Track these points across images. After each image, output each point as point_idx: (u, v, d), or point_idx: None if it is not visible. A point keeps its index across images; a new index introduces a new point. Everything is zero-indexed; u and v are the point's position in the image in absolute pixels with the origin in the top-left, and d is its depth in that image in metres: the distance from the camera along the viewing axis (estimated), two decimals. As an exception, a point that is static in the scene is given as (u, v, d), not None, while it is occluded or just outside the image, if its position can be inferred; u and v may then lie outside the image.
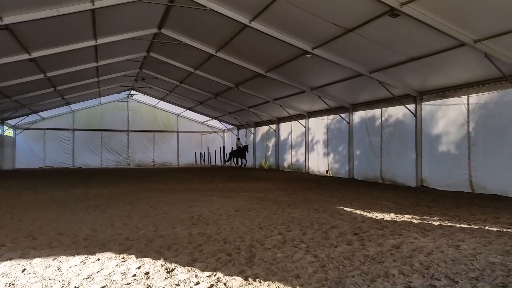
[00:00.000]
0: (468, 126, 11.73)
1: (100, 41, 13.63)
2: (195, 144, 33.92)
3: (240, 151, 28.40)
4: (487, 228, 6.59)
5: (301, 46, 12.32)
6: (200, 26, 13.25)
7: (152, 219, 7.41)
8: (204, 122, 33.62)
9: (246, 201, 9.98)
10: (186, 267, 4.41)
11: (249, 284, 3.90)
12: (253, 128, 29.01)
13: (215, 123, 33.34)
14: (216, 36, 13.72)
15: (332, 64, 13.10)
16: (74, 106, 28.47)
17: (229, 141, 33.97)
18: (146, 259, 4.73)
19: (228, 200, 10.20)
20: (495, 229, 6.46)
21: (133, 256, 4.88)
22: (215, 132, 34.72)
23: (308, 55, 12.83)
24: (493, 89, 11.01)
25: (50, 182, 15.94)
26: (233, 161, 30.17)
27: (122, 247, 5.33)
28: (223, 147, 34.31)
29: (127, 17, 12.77)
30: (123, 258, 4.82)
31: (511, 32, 8.49)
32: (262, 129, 27.87)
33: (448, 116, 12.54)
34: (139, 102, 31.45)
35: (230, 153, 30.47)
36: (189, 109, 30.05)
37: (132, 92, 29.30)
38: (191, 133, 33.70)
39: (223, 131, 34.81)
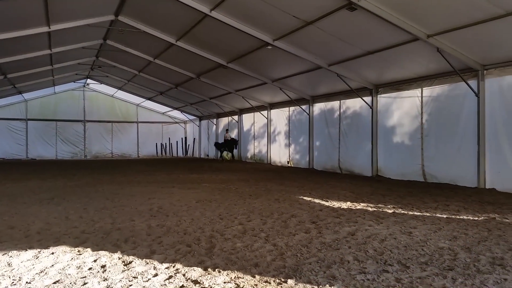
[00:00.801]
0: (422, 118, 12.26)
1: (54, 27, 12.99)
2: (156, 135, 33.24)
3: (227, 144, 24.95)
4: (437, 215, 6.95)
5: (262, 38, 12.34)
6: (159, 14, 12.93)
7: (109, 212, 7.24)
8: (165, 112, 32.98)
9: (207, 192, 9.96)
10: (144, 259, 4.37)
11: (208, 274, 3.92)
12: (215, 119, 28.85)
13: (176, 113, 32.82)
14: (176, 24, 13.45)
15: (292, 56, 13.22)
16: (27, 95, 27.05)
17: (191, 132, 33.63)
18: (102, 252, 4.64)
19: (189, 191, 10.13)
20: (445, 216, 6.83)
21: (89, 249, 4.77)
22: (176, 123, 34.20)
23: (269, 47, 12.87)
24: (444, 83, 11.55)
25: (2, 174, 15.15)
26: (218, 154, 25.67)
27: (78, 241, 5.19)
28: (185, 138, 33.94)
29: (82, 3, 12.24)
30: (78, 251, 4.70)
31: (460, 29, 8.92)
32: (224, 120, 27.76)
33: (403, 108, 13.03)
34: (95, 91, 30.34)
35: (215, 144, 26.11)
36: (149, 99, 29.37)
37: (88, 80, 28.20)
38: (152, 124, 32.97)
39: (185, 122, 34.38)
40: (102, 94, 30.60)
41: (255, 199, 8.70)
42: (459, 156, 11.05)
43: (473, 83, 10.52)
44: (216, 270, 4.02)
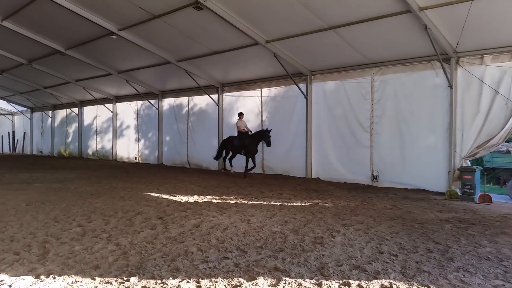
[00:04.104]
0: (262, 116, 13.38)
1: None
2: (-25, 128, 28.30)
3: (244, 140, 12.33)
4: (272, 203, 7.76)
5: (105, 26, 11.63)
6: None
7: None
8: (-14, 102, 28.24)
9: (40, 193, 8.97)
10: (-43, 275, 3.77)
11: (41, 281, 3.62)
12: (51, 112, 25.90)
13: (2, 104, 28.41)
14: (2, 2, 11.63)
15: (140, 48, 12.83)
16: None
17: (21, 125, 29.50)
18: None
19: (17, 192, 8.96)
20: (278, 204, 7.67)
21: None
22: (2, 114, 29.58)
23: (113, 36, 12.22)
24: (280, 85, 12.84)
25: None
26: (224, 159, 13.38)
27: None
28: (13, 132, 29.66)
29: None
30: None
31: (293, 37, 10.07)
32: (62, 113, 25.20)
33: (246, 107, 13.98)
34: None
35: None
36: (-35, 86, 24.71)
37: None
38: (-32, 115, 27.89)
39: (12, 114, 29.96)
40: None
41: (97, 199, 8.24)
42: (292, 150, 12.47)
43: (303, 86, 11.98)
44: (51, 276, 3.74)
